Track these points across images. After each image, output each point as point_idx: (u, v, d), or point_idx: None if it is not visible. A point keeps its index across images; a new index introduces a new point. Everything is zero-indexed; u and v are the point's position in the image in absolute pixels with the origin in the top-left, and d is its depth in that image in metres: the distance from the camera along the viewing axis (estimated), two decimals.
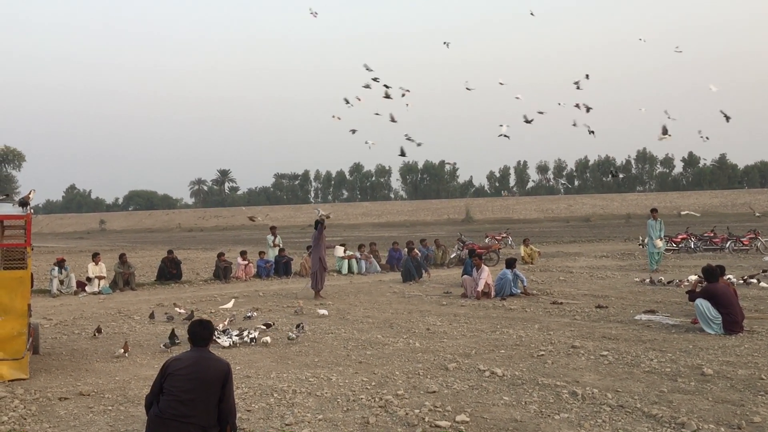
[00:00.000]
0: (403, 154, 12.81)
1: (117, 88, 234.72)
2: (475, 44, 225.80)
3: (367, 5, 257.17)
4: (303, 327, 10.68)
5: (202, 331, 5.47)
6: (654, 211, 20.30)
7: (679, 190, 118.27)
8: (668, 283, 16.02)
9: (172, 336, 9.88)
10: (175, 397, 5.12)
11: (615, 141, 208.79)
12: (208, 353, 5.40)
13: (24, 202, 8.74)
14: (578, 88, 18.46)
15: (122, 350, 9.38)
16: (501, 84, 12.65)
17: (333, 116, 12.82)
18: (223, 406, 5.24)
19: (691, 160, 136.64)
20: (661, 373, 7.60)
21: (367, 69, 12.85)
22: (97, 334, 10.89)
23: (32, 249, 8.32)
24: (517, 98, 10.55)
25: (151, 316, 12.70)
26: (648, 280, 16.61)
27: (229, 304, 13.61)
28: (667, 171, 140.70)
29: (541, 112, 18.60)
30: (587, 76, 20.63)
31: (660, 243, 19.55)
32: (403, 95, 13.70)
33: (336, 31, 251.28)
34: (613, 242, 34.95)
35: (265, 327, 10.91)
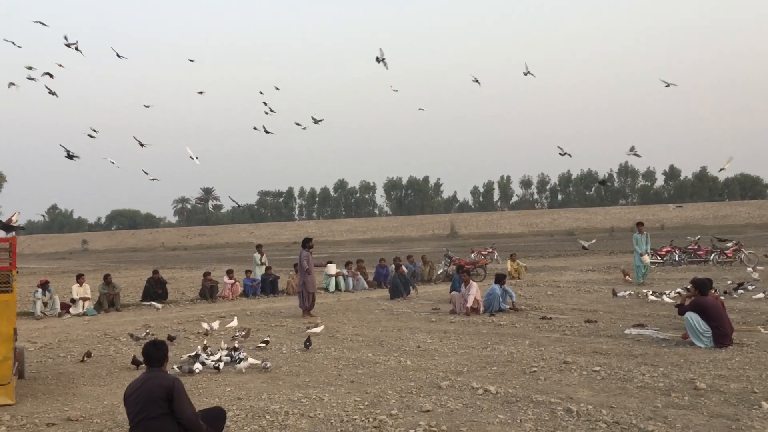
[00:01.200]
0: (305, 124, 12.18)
1: (99, 104, 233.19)
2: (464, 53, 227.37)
3: (358, 18, 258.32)
4: (309, 343, 10.87)
5: (155, 352, 5.67)
6: (640, 224, 20.42)
7: (662, 202, 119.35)
8: (653, 294, 16.07)
9: (135, 360, 9.81)
10: (132, 423, 5.39)
11: (597, 155, 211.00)
12: (156, 372, 5.57)
13: (8, 226, 8.64)
14: (476, 81, 18.00)
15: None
16: (394, 90, 12.55)
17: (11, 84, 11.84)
18: (180, 417, 5.36)
19: (672, 173, 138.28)
20: (654, 388, 7.59)
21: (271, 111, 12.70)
22: (86, 358, 10.68)
23: (17, 272, 8.19)
24: (421, 110, 10.52)
25: (132, 336, 12.44)
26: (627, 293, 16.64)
27: (234, 322, 13.35)
28: (649, 184, 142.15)
29: (565, 153, 18.15)
30: (527, 72, 20.23)
31: (647, 258, 19.65)
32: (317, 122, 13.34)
33: (323, 46, 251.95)
34: (597, 256, 35.13)
35: (264, 344, 10.79)
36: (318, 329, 12.31)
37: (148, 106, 13.10)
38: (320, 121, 12.94)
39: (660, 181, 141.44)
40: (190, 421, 5.38)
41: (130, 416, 5.37)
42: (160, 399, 5.31)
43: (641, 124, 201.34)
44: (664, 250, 27.45)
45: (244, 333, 12.26)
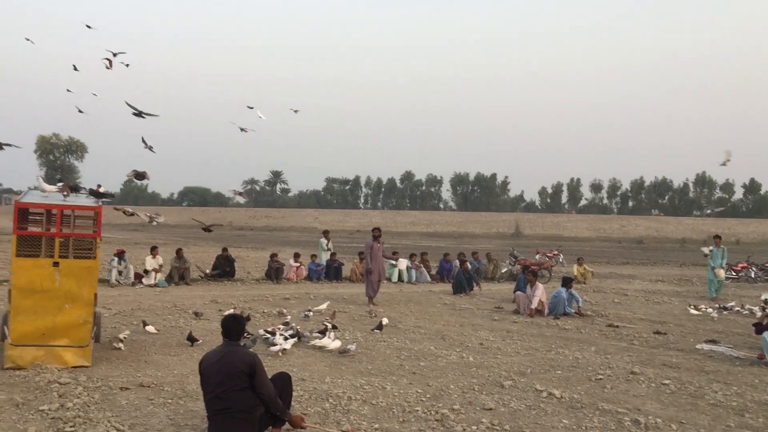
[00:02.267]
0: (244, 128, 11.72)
1: (179, 87, 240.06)
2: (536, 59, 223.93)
3: (430, 15, 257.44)
4: (381, 326, 11.31)
5: (236, 326, 5.73)
6: (717, 237, 19.69)
7: (738, 216, 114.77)
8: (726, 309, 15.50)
9: (190, 337, 9.96)
10: (212, 394, 5.42)
11: (673, 163, 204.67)
12: (236, 346, 5.64)
13: (97, 193, 8.98)
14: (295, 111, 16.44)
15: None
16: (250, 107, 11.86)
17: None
18: (260, 393, 5.44)
19: (752, 187, 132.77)
20: (726, 406, 7.34)
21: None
22: (144, 327, 10.89)
23: (101, 240, 8.52)
24: (260, 117, 10.08)
25: (196, 314, 12.68)
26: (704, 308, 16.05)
27: (323, 306, 13.71)
28: (727, 196, 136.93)
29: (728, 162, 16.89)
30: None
31: (721, 272, 18.94)
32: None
33: (389, 39, 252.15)
34: (667, 266, 34.07)
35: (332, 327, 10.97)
36: (332, 344, 10.05)
37: (251, 107, 13.00)
38: (296, 111, 13.03)
39: (739, 193, 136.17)
40: (270, 396, 5.48)
41: (209, 387, 5.45)
42: (242, 373, 5.39)
43: (723, 134, 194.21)
44: (740, 265, 26.42)
45: (331, 315, 12.61)
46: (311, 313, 12.96)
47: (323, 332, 10.54)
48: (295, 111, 11.23)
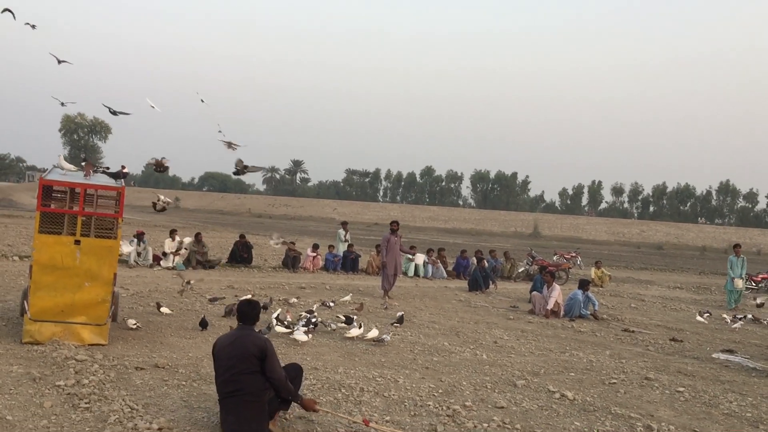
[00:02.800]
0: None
1: (204, 74, 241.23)
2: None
3: (460, 6, 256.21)
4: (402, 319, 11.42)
5: (250, 311, 5.77)
6: (737, 246, 19.44)
7: (761, 227, 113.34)
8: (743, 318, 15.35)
9: (203, 322, 9.98)
10: (223, 377, 5.48)
11: (696, 170, 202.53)
12: (249, 330, 5.68)
13: (118, 175, 9.06)
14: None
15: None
16: (202, 101, 11.49)
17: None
18: (270, 377, 5.46)
19: None
20: (741, 417, 7.27)
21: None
22: (158, 309, 11.00)
23: (122, 221, 8.60)
24: (220, 132, 9.84)
25: (212, 299, 12.63)
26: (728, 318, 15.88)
27: (347, 297, 13.90)
28: (750, 206, 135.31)
29: None
30: None
31: (740, 282, 18.68)
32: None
33: (415, 30, 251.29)
34: (686, 274, 33.74)
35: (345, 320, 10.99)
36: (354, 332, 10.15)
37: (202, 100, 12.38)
38: (202, 101, 12.41)
39: (762, 203, 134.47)
40: (280, 381, 5.51)
41: (221, 370, 5.49)
42: (253, 356, 5.43)
43: (748, 141, 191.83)
44: (760, 276, 26.06)
45: (357, 306, 12.70)
46: (333, 304, 12.96)
47: (349, 321, 10.62)
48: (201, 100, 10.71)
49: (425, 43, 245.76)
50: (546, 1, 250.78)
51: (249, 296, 12.79)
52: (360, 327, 10.01)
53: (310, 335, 9.55)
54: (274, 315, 10.21)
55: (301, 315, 10.80)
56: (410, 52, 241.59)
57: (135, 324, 9.40)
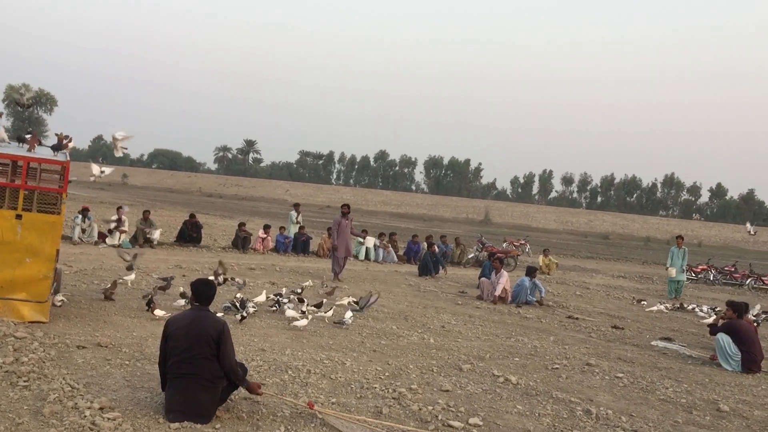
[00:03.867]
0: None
1: (156, 42, 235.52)
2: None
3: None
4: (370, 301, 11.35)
5: (207, 291, 5.75)
6: (679, 238, 20.00)
7: (703, 220, 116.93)
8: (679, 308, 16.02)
9: (149, 302, 9.54)
10: (178, 357, 5.41)
11: (643, 163, 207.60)
12: (206, 312, 5.64)
13: (59, 147, 8.77)
14: None
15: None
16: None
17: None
18: (222, 363, 5.44)
19: (718, 192, 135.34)
20: (676, 402, 7.52)
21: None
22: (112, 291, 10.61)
23: (66, 196, 8.37)
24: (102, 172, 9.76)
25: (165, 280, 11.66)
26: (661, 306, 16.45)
27: (309, 282, 13.57)
28: (693, 199, 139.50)
29: None
30: None
31: (673, 271, 19.03)
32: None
33: (376, 15, 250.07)
34: (630, 263, 34.63)
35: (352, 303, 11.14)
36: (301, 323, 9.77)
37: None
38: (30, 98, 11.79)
39: (705, 197, 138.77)
40: (232, 366, 5.47)
41: (176, 350, 5.40)
42: (211, 339, 5.38)
43: (694, 137, 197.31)
44: (700, 267, 26.97)
45: (328, 291, 12.68)
46: (300, 291, 12.38)
47: (319, 305, 10.55)
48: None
49: (381, 27, 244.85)
50: None
51: (213, 276, 12.56)
52: (306, 318, 9.67)
53: (307, 318, 9.59)
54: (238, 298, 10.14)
55: (269, 297, 10.83)
56: (366, 36, 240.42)
57: (60, 301, 9.00)
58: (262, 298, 10.95)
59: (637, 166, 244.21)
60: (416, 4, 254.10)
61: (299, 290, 12.09)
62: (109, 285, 10.43)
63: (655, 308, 15.65)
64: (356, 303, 11.37)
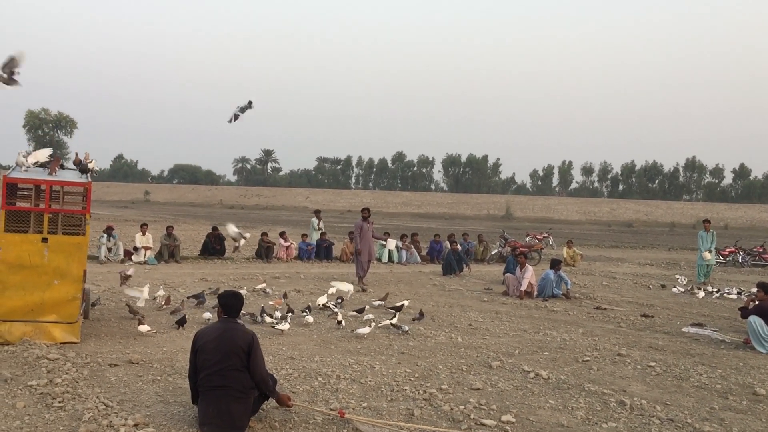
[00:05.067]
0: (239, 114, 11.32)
1: (169, 62, 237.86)
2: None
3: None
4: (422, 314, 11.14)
5: (235, 303, 5.73)
6: (707, 221, 19.81)
7: (728, 201, 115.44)
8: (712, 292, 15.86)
9: (182, 321, 9.61)
10: (209, 370, 5.41)
11: (663, 147, 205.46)
12: (234, 324, 5.64)
13: (84, 169, 8.91)
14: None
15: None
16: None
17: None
18: (253, 373, 5.45)
19: (742, 172, 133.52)
20: (711, 389, 7.43)
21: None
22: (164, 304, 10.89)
23: (90, 216, 8.48)
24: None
25: (198, 298, 11.87)
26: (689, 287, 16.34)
27: (344, 287, 13.13)
28: (716, 181, 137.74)
29: None
30: None
31: (708, 255, 19.05)
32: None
33: (379, 19, 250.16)
34: (656, 250, 34.31)
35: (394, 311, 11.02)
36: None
37: (250, 104, 12.17)
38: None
39: (728, 179, 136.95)
40: (262, 377, 5.49)
41: (207, 363, 5.41)
42: (241, 351, 5.39)
43: (714, 118, 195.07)
44: (728, 250, 26.65)
45: (382, 297, 12.83)
46: (341, 301, 12.34)
47: (398, 309, 10.92)
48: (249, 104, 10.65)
49: (392, 29, 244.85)
50: None
51: (263, 285, 13.50)
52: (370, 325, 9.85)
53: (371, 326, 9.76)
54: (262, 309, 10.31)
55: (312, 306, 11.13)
56: (376, 38, 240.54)
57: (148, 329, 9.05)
58: (323, 299, 11.87)
59: (658, 152, 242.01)
60: (427, 3, 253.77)
61: (339, 300, 12.12)
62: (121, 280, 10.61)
63: (701, 295, 15.54)
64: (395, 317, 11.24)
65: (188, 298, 11.82)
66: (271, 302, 11.70)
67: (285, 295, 12.55)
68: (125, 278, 12.16)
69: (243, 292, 12.33)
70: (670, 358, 8.87)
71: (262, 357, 5.62)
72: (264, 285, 13.65)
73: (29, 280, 7.96)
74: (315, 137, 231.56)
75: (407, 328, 9.94)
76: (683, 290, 16.29)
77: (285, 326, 9.52)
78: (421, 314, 11.12)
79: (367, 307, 11.55)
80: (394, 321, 10.05)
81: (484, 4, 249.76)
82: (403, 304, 11.37)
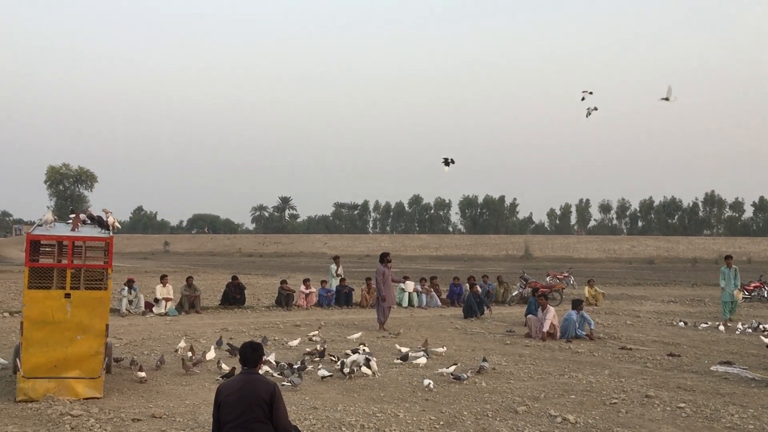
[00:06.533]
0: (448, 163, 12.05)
1: (184, 114, 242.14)
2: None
3: (439, 35, 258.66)
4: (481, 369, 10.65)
5: (252, 354, 5.66)
6: (728, 258, 19.55)
7: (749, 235, 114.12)
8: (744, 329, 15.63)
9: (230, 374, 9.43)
10: (232, 423, 5.33)
11: (681, 183, 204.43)
12: (255, 375, 5.59)
13: (103, 224, 9.02)
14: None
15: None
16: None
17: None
18: (276, 425, 5.39)
19: (762, 205, 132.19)
20: (743, 429, 7.26)
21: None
22: (159, 364, 10.45)
23: (112, 271, 8.56)
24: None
25: (219, 342, 12.38)
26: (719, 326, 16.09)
27: (357, 335, 13.56)
28: (737, 215, 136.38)
29: None
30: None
31: (739, 295, 18.81)
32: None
33: (393, 63, 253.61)
34: (680, 287, 33.87)
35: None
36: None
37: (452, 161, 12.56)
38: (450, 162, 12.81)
39: (749, 212, 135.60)
40: (286, 428, 5.43)
41: (230, 416, 5.35)
42: (264, 402, 5.34)
43: (731, 152, 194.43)
44: (753, 285, 26.24)
45: (423, 343, 12.60)
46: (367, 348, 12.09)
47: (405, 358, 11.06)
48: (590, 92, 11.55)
49: (405, 76, 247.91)
50: (521, 26, 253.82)
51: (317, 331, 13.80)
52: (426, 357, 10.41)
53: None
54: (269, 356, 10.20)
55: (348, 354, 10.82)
56: (390, 86, 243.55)
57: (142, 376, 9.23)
58: (357, 335, 12.84)
59: (675, 187, 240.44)
60: (432, 50, 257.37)
61: (366, 348, 11.94)
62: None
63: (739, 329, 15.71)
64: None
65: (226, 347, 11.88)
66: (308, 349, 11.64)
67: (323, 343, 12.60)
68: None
69: (295, 342, 12.84)
70: (699, 399, 8.69)
71: (285, 408, 5.57)
72: (317, 332, 14.11)
73: (52, 336, 8.01)
74: (331, 183, 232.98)
75: (466, 377, 9.71)
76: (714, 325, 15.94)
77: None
78: (480, 369, 10.45)
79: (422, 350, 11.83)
80: (451, 370, 9.94)
81: (500, 43, 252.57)
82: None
